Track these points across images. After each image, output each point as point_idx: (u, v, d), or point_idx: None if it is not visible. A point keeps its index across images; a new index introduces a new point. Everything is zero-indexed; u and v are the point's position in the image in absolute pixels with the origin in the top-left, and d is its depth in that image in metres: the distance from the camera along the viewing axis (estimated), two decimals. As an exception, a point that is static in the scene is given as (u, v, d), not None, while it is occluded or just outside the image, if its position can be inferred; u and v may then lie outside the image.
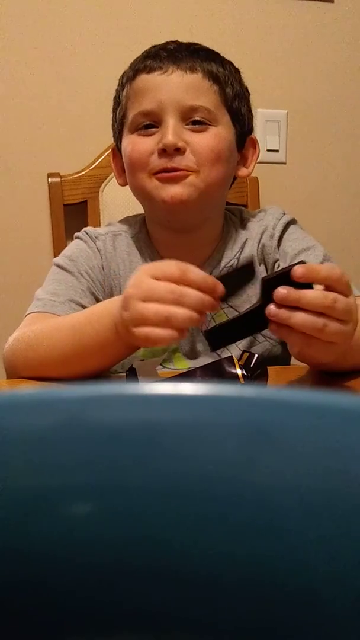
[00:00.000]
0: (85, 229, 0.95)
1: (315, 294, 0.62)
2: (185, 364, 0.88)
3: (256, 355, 0.66)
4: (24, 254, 1.47)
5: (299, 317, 0.62)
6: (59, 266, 0.90)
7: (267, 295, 0.63)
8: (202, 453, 0.20)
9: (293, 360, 0.94)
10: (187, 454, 0.20)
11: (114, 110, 0.93)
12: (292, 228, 0.93)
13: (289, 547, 0.20)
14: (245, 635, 0.21)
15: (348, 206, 1.68)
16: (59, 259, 0.91)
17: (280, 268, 0.90)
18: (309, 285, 0.63)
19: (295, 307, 0.63)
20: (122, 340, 0.70)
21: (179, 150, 0.82)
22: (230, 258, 0.92)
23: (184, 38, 0.93)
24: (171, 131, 0.82)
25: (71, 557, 0.21)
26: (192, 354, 0.90)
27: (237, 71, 0.91)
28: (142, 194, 0.88)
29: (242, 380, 0.64)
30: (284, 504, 0.20)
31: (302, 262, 0.65)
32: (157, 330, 0.64)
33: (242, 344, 0.89)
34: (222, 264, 0.92)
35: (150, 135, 0.85)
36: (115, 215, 1.37)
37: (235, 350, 0.89)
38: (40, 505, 0.20)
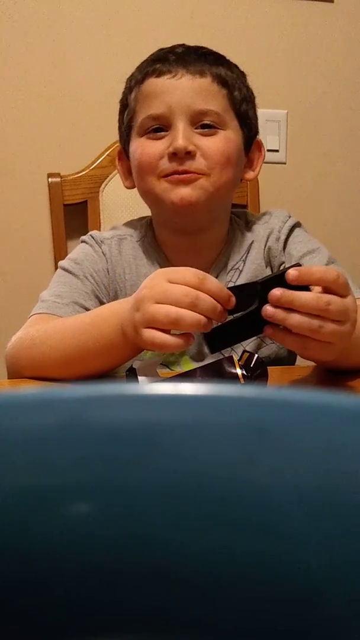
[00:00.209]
0: (90, 232, 0.95)
1: (309, 296, 0.63)
2: (192, 367, 0.88)
3: (256, 355, 0.67)
4: (24, 254, 1.47)
5: (295, 319, 0.63)
6: (64, 269, 0.90)
7: (263, 298, 0.63)
8: (202, 453, 0.20)
9: (298, 361, 0.94)
10: (187, 454, 0.20)
11: (121, 112, 0.93)
12: (297, 231, 0.94)
13: (289, 547, 0.20)
14: (245, 635, 0.21)
15: (348, 206, 1.68)
16: (64, 262, 0.91)
17: (276, 271, 0.90)
18: (305, 287, 0.64)
19: (291, 309, 0.63)
20: (128, 343, 0.70)
21: (189, 154, 0.83)
22: (237, 261, 0.92)
23: (183, 38, 0.93)
24: (181, 135, 0.83)
25: (71, 557, 0.21)
26: (199, 357, 0.90)
27: (243, 74, 0.91)
28: (150, 197, 0.88)
29: (242, 380, 0.64)
30: (284, 504, 0.20)
31: (298, 264, 0.66)
32: (163, 335, 0.64)
33: (249, 346, 0.89)
34: (229, 266, 0.92)
35: (160, 139, 0.85)
36: (115, 215, 1.37)
37: (240, 351, 0.89)
38: (40, 505, 0.20)
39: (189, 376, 0.67)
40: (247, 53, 1.53)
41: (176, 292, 0.64)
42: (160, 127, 0.85)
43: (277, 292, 0.62)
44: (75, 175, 1.42)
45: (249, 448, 0.20)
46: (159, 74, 0.86)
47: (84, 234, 0.95)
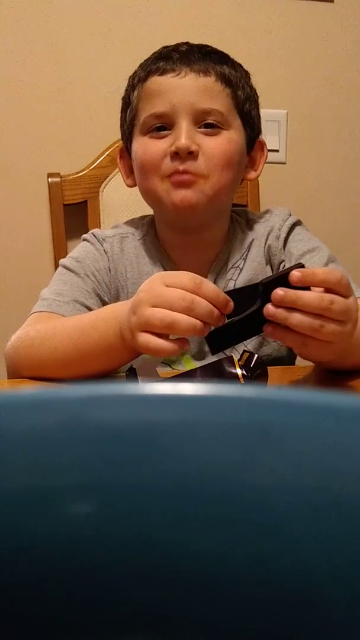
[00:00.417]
0: (92, 230, 0.95)
1: (312, 296, 0.63)
2: (193, 366, 0.88)
3: (256, 355, 0.67)
4: (24, 254, 1.47)
5: (296, 318, 0.63)
6: (65, 267, 0.90)
7: (265, 298, 0.63)
8: (202, 453, 0.20)
9: (298, 361, 0.94)
10: (187, 454, 0.20)
11: (123, 110, 0.92)
12: (297, 229, 0.94)
13: (289, 547, 0.20)
14: (245, 635, 0.21)
15: (348, 206, 1.68)
16: (65, 260, 0.91)
17: (278, 271, 0.90)
18: (306, 287, 0.64)
19: (292, 308, 0.63)
20: (126, 345, 0.70)
21: (191, 154, 0.83)
22: (237, 259, 0.92)
23: (183, 38, 0.93)
24: (184, 134, 0.82)
25: (71, 557, 0.21)
26: (201, 356, 0.90)
27: (247, 74, 0.91)
28: (152, 197, 0.88)
29: (242, 380, 0.64)
30: (284, 504, 0.20)
31: (300, 264, 0.66)
32: (158, 340, 0.64)
33: (250, 345, 0.89)
34: (229, 265, 0.92)
35: (162, 137, 0.85)
36: (115, 215, 1.37)
37: (241, 350, 0.90)
38: (40, 505, 0.20)
39: (189, 376, 0.67)
40: (247, 53, 1.52)
41: (172, 295, 0.64)
42: (163, 125, 0.85)
43: (280, 291, 0.63)
44: (75, 175, 1.42)
45: (249, 448, 0.20)
46: (163, 72, 0.85)
47: (84, 234, 0.95)
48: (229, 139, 0.85)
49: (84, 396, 0.20)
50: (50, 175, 1.42)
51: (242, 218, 0.97)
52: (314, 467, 0.19)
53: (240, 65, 0.91)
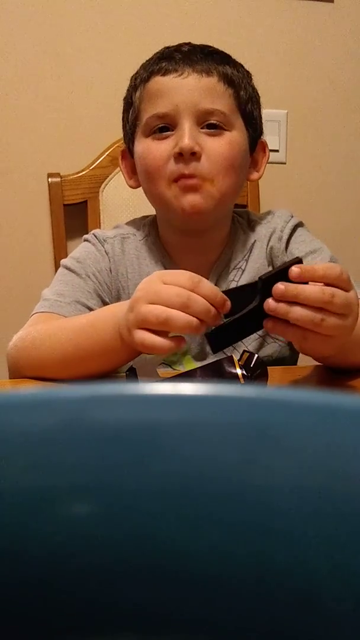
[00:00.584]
0: (93, 231, 0.95)
1: (314, 289, 0.63)
2: (194, 366, 0.88)
3: (256, 355, 0.67)
4: (24, 254, 1.47)
5: (297, 312, 0.63)
6: (66, 267, 0.90)
7: (265, 294, 0.63)
8: (202, 453, 0.20)
9: (300, 361, 0.94)
10: (187, 454, 0.20)
11: (125, 111, 0.92)
12: (299, 230, 0.94)
13: (289, 547, 0.20)
14: (245, 635, 0.21)
15: (348, 206, 1.68)
16: (66, 261, 0.91)
17: (276, 267, 0.90)
18: (306, 283, 0.64)
19: (293, 302, 0.63)
20: (125, 345, 0.70)
21: (194, 155, 0.82)
22: (239, 260, 0.92)
23: (183, 38, 0.93)
24: (187, 135, 0.82)
25: (71, 557, 0.21)
26: (202, 356, 0.90)
27: (249, 74, 0.91)
28: (159, 202, 0.87)
29: (242, 380, 0.64)
30: (284, 504, 0.20)
31: (298, 259, 0.65)
32: (153, 337, 0.64)
33: (251, 346, 0.89)
34: (231, 265, 0.92)
35: (165, 138, 0.84)
36: (115, 215, 1.37)
37: (242, 349, 0.90)
38: (40, 505, 0.20)
39: (189, 376, 0.67)
40: (247, 53, 1.52)
41: (168, 292, 0.64)
42: (165, 126, 0.85)
43: (281, 286, 0.63)
44: (75, 175, 1.42)
45: (249, 448, 0.20)
46: (165, 72, 0.85)
47: (84, 234, 0.95)
48: (232, 141, 0.85)
49: (84, 396, 0.20)
50: (50, 175, 1.42)
51: (243, 219, 0.97)
52: (314, 467, 0.19)
53: (242, 66, 0.91)
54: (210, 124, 0.84)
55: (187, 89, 0.84)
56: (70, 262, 0.90)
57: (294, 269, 0.63)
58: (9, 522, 0.21)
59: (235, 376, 0.64)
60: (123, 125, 0.93)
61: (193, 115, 0.83)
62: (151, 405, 0.20)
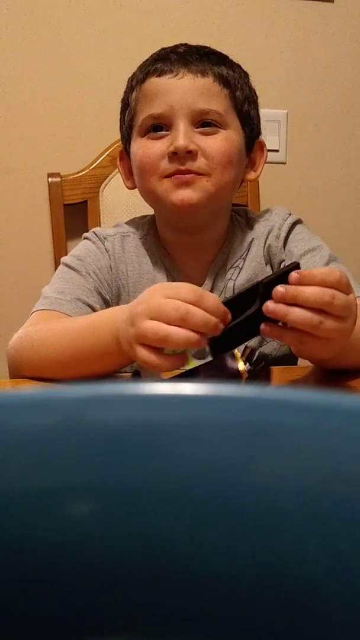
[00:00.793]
0: (93, 229, 0.95)
1: (313, 290, 0.63)
2: (195, 365, 0.88)
3: (258, 350, 0.66)
4: (24, 254, 1.47)
5: (297, 314, 0.62)
6: (66, 265, 0.90)
7: (265, 298, 0.63)
8: (202, 453, 0.20)
9: (300, 360, 0.94)
10: (187, 454, 0.20)
11: (122, 112, 0.92)
12: (298, 228, 0.93)
13: (289, 547, 0.20)
14: (245, 635, 0.21)
15: (348, 206, 1.68)
16: (67, 258, 0.91)
17: (276, 271, 0.90)
18: None
19: (293, 305, 0.63)
20: (122, 352, 0.69)
21: (190, 154, 0.82)
22: (237, 259, 0.92)
23: (184, 38, 0.93)
24: (182, 135, 0.82)
25: (71, 557, 0.21)
26: (202, 355, 0.90)
27: (246, 75, 0.91)
28: (151, 197, 0.88)
29: (245, 374, 0.64)
30: (284, 504, 0.20)
31: (296, 263, 0.66)
32: (152, 356, 0.63)
33: (250, 344, 0.89)
34: (229, 264, 0.92)
35: (161, 138, 0.85)
36: (115, 215, 1.37)
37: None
38: (40, 505, 0.20)
39: (192, 374, 0.67)
40: (247, 53, 1.52)
41: (167, 307, 0.63)
42: (161, 126, 0.85)
43: (280, 288, 0.62)
44: (75, 175, 1.42)
45: (249, 448, 0.20)
46: (160, 73, 0.85)
47: (85, 233, 0.95)
48: (227, 138, 0.85)
49: (84, 396, 0.20)
50: (50, 175, 1.42)
51: (242, 217, 0.96)
52: (313, 467, 0.19)
53: (239, 66, 0.91)
54: (205, 122, 0.84)
55: (182, 90, 0.84)
56: (71, 260, 0.90)
57: (293, 274, 0.63)
58: (9, 522, 0.21)
59: (238, 371, 0.64)
60: (120, 127, 0.93)
61: (188, 115, 0.84)
62: (151, 405, 0.20)
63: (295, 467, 0.20)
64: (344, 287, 0.64)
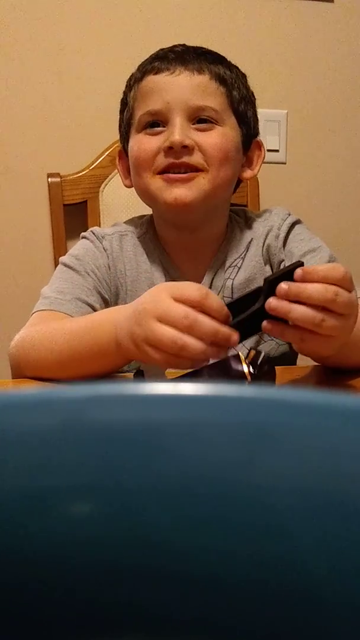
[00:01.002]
0: (91, 229, 0.95)
1: (317, 287, 0.63)
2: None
3: (263, 353, 0.66)
4: (24, 254, 1.47)
5: (299, 311, 0.62)
6: (65, 265, 0.90)
7: (268, 296, 0.63)
8: (202, 453, 0.20)
9: (299, 360, 0.94)
10: (187, 454, 0.20)
11: (121, 112, 0.93)
12: (298, 228, 0.93)
13: (289, 547, 0.20)
14: (245, 635, 0.21)
15: (348, 206, 1.68)
16: (65, 258, 0.91)
17: (281, 269, 0.90)
18: None
19: (296, 302, 0.63)
20: (120, 351, 0.69)
21: (186, 148, 0.83)
22: (236, 258, 0.92)
23: (184, 38, 0.93)
24: (178, 130, 0.83)
25: (71, 557, 0.21)
26: None
27: (244, 76, 0.91)
28: (146, 195, 0.88)
29: (249, 377, 0.64)
30: (284, 504, 0.20)
31: (300, 262, 0.66)
32: (163, 357, 0.63)
33: (248, 343, 0.89)
34: (227, 263, 0.92)
35: (157, 134, 0.85)
36: (115, 215, 1.37)
37: (242, 349, 0.89)
38: (40, 505, 0.20)
39: (196, 375, 0.67)
40: (247, 53, 1.53)
41: (176, 312, 0.63)
42: (157, 122, 0.85)
43: (284, 285, 0.62)
44: (75, 175, 1.42)
45: (249, 448, 0.20)
46: (158, 71, 0.86)
47: (83, 232, 0.95)
48: (223, 134, 0.86)
49: (84, 396, 0.20)
50: (50, 175, 1.42)
51: (241, 218, 0.97)
52: (314, 467, 0.19)
53: (237, 68, 0.91)
54: (201, 119, 0.85)
55: (178, 86, 0.85)
56: (69, 260, 0.90)
57: (298, 271, 0.63)
58: (9, 522, 0.21)
59: (242, 374, 0.64)
60: (119, 126, 0.94)
61: (184, 111, 0.84)
62: (151, 405, 0.20)
63: (295, 467, 0.20)
64: (348, 284, 0.65)
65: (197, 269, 0.92)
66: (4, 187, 1.44)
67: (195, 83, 0.85)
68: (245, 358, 0.65)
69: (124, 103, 0.92)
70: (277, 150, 1.59)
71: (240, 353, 0.66)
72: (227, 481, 0.20)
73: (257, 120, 0.93)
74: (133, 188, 0.93)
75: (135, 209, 1.27)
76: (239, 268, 0.92)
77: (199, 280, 0.90)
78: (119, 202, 1.39)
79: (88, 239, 0.93)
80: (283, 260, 0.92)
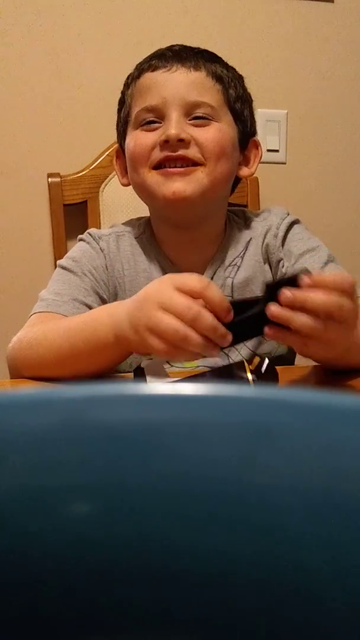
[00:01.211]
0: (88, 230, 0.95)
1: (322, 298, 0.62)
2: (193, 363, 0.88)
3: (267, 360, 0.66)
4: (24, 254, 1.47)
5: (301, 319, 0.62)
6: (62, 267, 0.90)
7: (268, 300, 0.63)
8: (202, 453, 0.20)
9: (298, 361, 0.94)
10: (187, 454, 0.20)
11: (119, 110, 0.93)
12: (296, 228, 0.93)
13: (289, 547, 0.20)
14: (245, 635, 0.21)
15: (348, 206, 1.68)
16: (62, 261, 0.91)
17: (283, 274, 0.90)
18: None
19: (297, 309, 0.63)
20: (118, 344, 0.70)
21: (182, 142, 0.83)
22: (235, 257, 0.92)
23: (184, 39, 0.94)
24: (174, 124, 0.83)
25: (71, 556, 0.21)
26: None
27: (241, 77, 0.92)
28: (143, 190, 0.88)
29: (252, 385, 0.64)
30: (284, 504, 0.20)
31: (306, 269, 0.66)
32: (165, 346, 0.64)
33: (249, 343, 0.89)
34: (227, 262, 0.92)
35: (154, 130, 0.85)
36: (115, 215, 1.37)
37: (243, 349, 0.89)
38: (40, 505, 0.20)
39: (199, 381, 0.67)
40: (247, 53, 1.53)
41: (180, 303, 0.64)
42: (154, 119, 0.86)
43: (288, 292, 0.62)
44: (75, 175, 1.42)
45: (249, 448, 0.20)
46: (155, 68, 0.87)
47: (80, 234, 0.96)
48: (220, 130, 0.86)
49: (84, 396, 0.20)
50: (50, 175, 1.42)
51: (239, 218, 0.97)
52: (314, 467, 0.19)
53: (234, 69, 0.92)
54: (197, 115, 0.85)
55: (175, 82, 0.85)
56: (66, 262, 0.90)
57: (305, 278, 0.63)
58: (9, 522, 0.21)
59: (246, 381, 0.64)
60: (117, 124, 0.94)
61: (181, 107, 0.84)
62: (151, 406, 0.20)
63: (296, 467, 0.20)
64: (352, 294, 0.65)
65: (195, 267, 0.92)
66: (4, 187, 1.44)
67: (191, 79, 0.85)
68: (249, 364, 0.65)
69: (122, 101, 0.92)
70: (277, 150, 1.59)
71: (244, 360, 0.66)
72: (227, 481, 0.20)
73: (254, 121, 0.93)
74: (126, 186, 0.94)
75: (135, 209, 1.27)
76: (239, 267, 0.92)
77: None
78: (119, 202, 1.39)
79: (85, 240, 0.93)
80: (282, 259, 0.92)
